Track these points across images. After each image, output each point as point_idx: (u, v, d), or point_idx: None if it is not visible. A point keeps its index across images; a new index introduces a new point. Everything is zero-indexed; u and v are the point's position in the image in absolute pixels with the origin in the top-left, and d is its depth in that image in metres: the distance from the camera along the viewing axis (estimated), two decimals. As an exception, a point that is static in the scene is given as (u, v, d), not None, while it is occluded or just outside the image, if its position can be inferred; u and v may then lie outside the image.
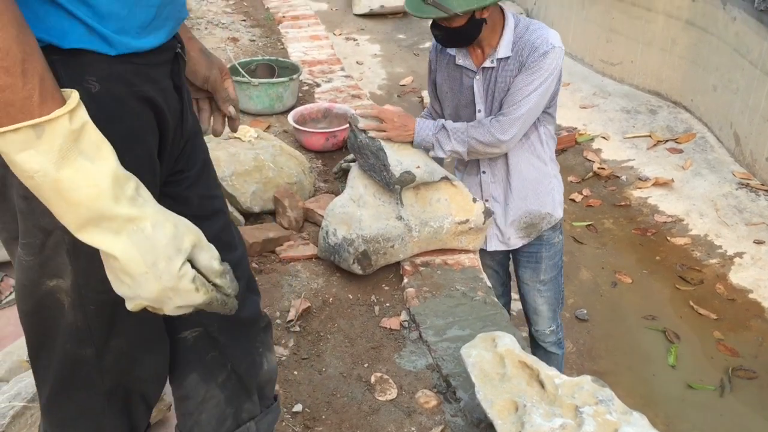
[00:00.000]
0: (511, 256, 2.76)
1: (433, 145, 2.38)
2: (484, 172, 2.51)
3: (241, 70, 3.58)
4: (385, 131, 2.41)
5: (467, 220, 2.45)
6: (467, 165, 2.55)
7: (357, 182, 2.54)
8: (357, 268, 2.43)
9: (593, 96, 5.77)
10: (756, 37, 4.31)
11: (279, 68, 3.79)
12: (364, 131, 2.47)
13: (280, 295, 2.42)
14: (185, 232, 0.96)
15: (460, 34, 2.23)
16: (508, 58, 2.28)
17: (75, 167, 0.85)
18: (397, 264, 2.52)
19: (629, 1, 5.56)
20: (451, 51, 2.39)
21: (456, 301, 2.32)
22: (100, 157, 0.88)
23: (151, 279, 0.92)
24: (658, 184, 4.63)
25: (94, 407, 1.20)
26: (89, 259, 1.03)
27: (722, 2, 4.70)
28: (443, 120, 2.40)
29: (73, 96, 0.86)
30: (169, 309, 0.97)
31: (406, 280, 2.45)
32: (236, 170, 2.78)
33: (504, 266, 2.81)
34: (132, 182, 0.91)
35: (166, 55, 1.12)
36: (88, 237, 0.89)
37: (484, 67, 2.32)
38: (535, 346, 2.85)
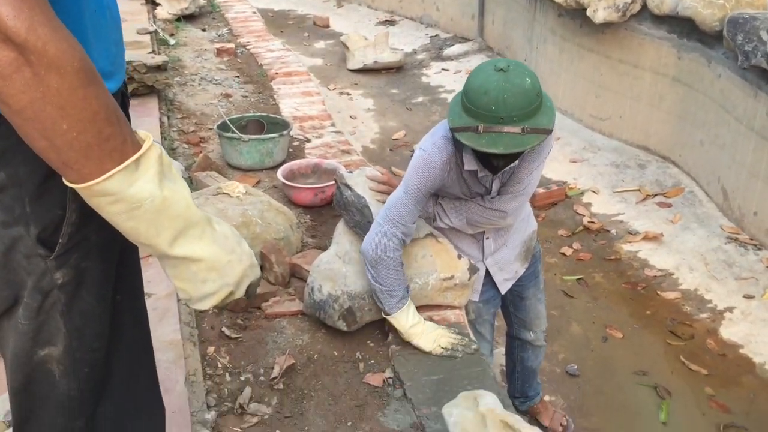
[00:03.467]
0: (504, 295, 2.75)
1: (434, 217, 2.40)
2: (487, 238, 2.51)
3: (231, 126, 3.63)
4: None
5: (452, 276, 2.45)
6: None
7: (343, 238, 2.55)
8: (342, 325, 2.42)
9: (583, 150, 5.83)
10: (740, 94, 4.39)
11: (269, 124, 3.84)
12: (350, 188, 2.50)
13: (264, 351, 2.41)
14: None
15: (517, 156, 2.11)
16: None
17: (168, 187, 0.97)
18: (383, 320, 2.51)
19: (617, 58, 5.67)
20: (474, 166, 2.19)
21: (441, 358, 2.31)
22: (175, 177, 1.01)
23: (235, 264, 1.08)
24: (647, 238, 4.65)
25: None
26: (84, 317, 1.07)
27: (707, 60, 4.79)
28: (439, 198, 2.39)
29: (145, 132, 1.00)
30: (242, 290, 1.11)
31: (391, 336, 2.44)
32: (224, 226, 2.79)
33: (496, 313, 2.82)
34: None
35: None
36: (180, 249, 1.01)
37: (504, 170, 2.22)
38: (524, 349, 2.90)
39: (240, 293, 1.11)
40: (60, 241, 1.01)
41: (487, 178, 2.25)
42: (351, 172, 2.65)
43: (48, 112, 0.85)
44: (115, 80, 1.11)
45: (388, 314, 2.29)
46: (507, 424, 1.70)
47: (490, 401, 1.77)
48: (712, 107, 4.74)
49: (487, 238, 2.49)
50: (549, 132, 1.99)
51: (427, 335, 2.32)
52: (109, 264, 1.10)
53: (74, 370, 1.09)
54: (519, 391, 3.03)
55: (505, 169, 2.19)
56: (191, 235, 1.02)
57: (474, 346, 2.35)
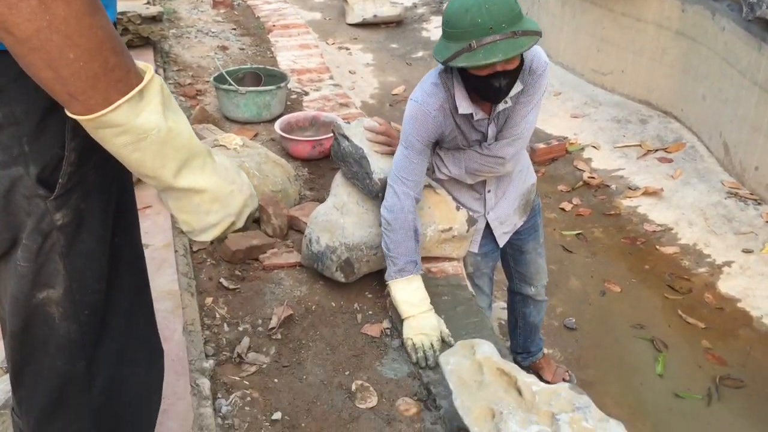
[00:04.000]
0: (504, 244, 2.74)
1: (433, 168, 2.36)
2: (488, 191, 2.49)
3: (228, 78, 3.58)
4: (390, 146, 2.42)
5: (451, 228, 2.44)
6: None
7: (340, 190, 2.54)
8: (340, 276, 2.42)
9: (584, 105, 5.78)
10: (744, 47, 4.33)
11: (266, 77, 3.79)
12: (348, 138, 2.47)
13: (262, 302, 2.41)
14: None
15: (515, 74, 2.04)
16: (520, 91, 2.16)
17: (171, 118, 0.97)
18: (381, 272, 2.51)
19: (620, 11, 5.58)
20: (469, 110, 2.15)
21: (439, 309, 2.31)
22: (176, 108, 1.00)
23: (236, 193, 1.09)
24: (647, 193, 4.63)
25: (81, 428, 1.18)
26: (83, 258, 1.06)
27: (711, 12, 4.71)
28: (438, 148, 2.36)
29: (146, 63, 0.98)
30: (243, 219, 1.13)
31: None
32: (221, 178, 2.77)
33: (495, 266, 2.80)
34: None
35: None
36: (184, 180, 1.01)
37: (499, 112, 2.20)
38: (526, 304, 2.90)
39: (241, 223, 1.12)
40: (60, 181, 1.00)
41: (482, 122, 2.22)
42: (349, 123, 2.62)
43: (54, 41, 0.83)
44: (109, 13, 1.08)
45: (386, 280, 2.23)
46: (503, 371, 1.70)
47: (486, 350, 1.77)
48: (716, 61, 4.67)
49: (489, 191, 2.47)
50: (539, 34, 1.94)
51: (417, 326, 2.15)
52: (107, 205, 1.09)
53: (74, 313, 1.08)
54: (521, 347, 3.04)
55: (507, 99, 2.13)
56: (194, 166, 1.02)
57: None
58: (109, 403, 1.18)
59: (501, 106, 2.18)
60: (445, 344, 2.13)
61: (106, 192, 1.08)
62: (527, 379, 1.67)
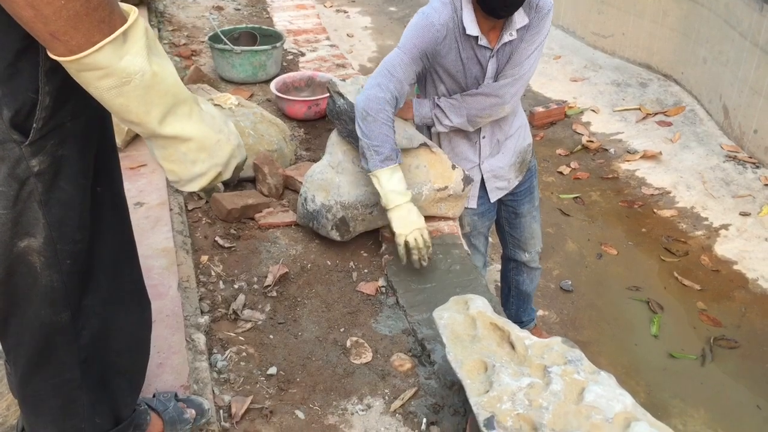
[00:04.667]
0: (500, 206, 2.75)
1: (433, 121, 2.37)
2: (483, 137, 2.49)
3: (223, 37, 3.54)
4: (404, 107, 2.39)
5: (446, 187, 2.43)
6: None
7: (336, 148, 2.52)
8: (335, 235, 2.41)
9: (584, 69, 5.73)
10: (746, 9, 4.28)
11: (262, 36, 3.75)
12: (343, 96, 2.45)
13: (258, 261, 2.41)
14: None
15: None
16: (526, 25, 2.19)
17: (156, 62, 0.95)
18: (376, 231, 2.51)
19: (621, -27, 5.51)
20: (475, 32, 2.15)
21: (434, 267, 2.31)
22: (161, 52, 0.98)
23: (223, 142, 1.08)
24: (646, 156, 4.62)
25: (69, 378, 1.18)
26: (63, 207, 1.05)
27: (713, -27, 4.65)
28: (436, 98, 2.36)
29: (131, 6, 0.97)
30: (230, 170, 1.11)
31: (384, 246, 2.44)
32: (216, 137, 2.76)
33: (490, 226, 2.80)
34: None
35: None
36: (170, 128, 1.00)
37: (504, 43, 2.20)
38: (519, 272, 2.93)
39: (228, 174, 1.11)
40: (34, 125, 0.98)
41: (485, 53, 2.21)
42: (344, 81, 2.59)
43: None
44: None
45: (369, 171, 2.17)
46: (497, 326, 1.71)
47: (480, 304, 1.77)
48: (717, 23, 4.62)
49: (483, 137, 2.46)
50: None
51: (406, 217, 2.16)
52: (86, 153, 1.07)
53: (56, 262, 1.07)
54: (513, 317, 3.04)
55: (513, 31, 2.16)
56: (180, 114, 1.00)
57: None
58: (96, 353, 1.18)
59: (506, 38, 2.18)
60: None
61: (84, 140, 1.06)
62: (520, 334, 1.67)
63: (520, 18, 2.16)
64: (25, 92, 0.96)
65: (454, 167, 2.44)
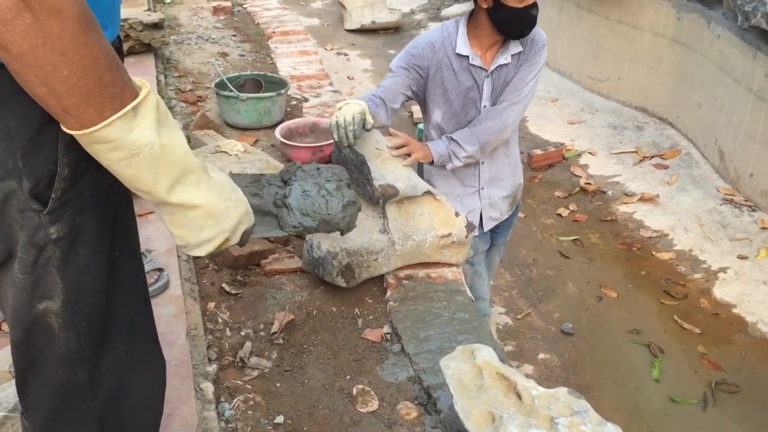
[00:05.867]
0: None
1: (449, 157, 2.49)
2: (482, 162, 2.62)
3: (229, 84, 3.61)
4: (411, 153, 2.52)
5: (450, 234, 2.48)
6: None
7: (341, 196, 2.56)
8: (341, 281, 2.44)
9: (581, 112, 5.83)
10: (739, 55, 4.38)
11: (267, 83, 3.82)
12: (348, 146, 2.50)
13: (264, 307, 2.44)
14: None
15: (537, 13, 2.33)
16: (519, 53, 2.43)
17: (165, 134, 0.98)
18: (381, 277, 2.54)
19: (616, 19, 5.63)
20: (465, 51, 2.41)
21: (438, 314, 2.34)
22: (172, 124, 1.01)
23: (231, 210, 1.10)
24: (643, 199, 4.67)
25: None
26: (80, 272, 1.07)
27: (707, 21, 4.76)
28: (445, 134, 2.53)
29: (141, 79, 0.99)
30: (237, 236, 1.14)
31: (389, 293, 2.47)
32: (222, 184, 2.80)
33: (485, 253, 2.93)
34: None
35: None
36: (178, 196, 1.02)
37: (500, 65, 2.43)
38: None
39: (235, 240, 1.13)
40: (53, 195, 1.00)
41: (479, 72, 2.43)
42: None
43: (49, 58, 0.85)
44: (108, 33, 1.10)
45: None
46: (503, 375, 1.73)
47: (486, 354, 1.80)
48: (711, 68, 4.72)
49: (482, 163, 2.61)
50: None
51: (343, 107, 2.27)
52: (104, 220, 1.10)
53: (73, 324, 1.10)
54: None
55: (508, 56, 2.41)
56: (188, 182, 1.02)
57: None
58: (112, 411, 1.20)
59: (501, 60, 2.42)
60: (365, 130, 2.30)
61: (102, 208, 1.09)
62: (527, 384, 1.70)
63: (514, 45, 2.43)
64: (45, 164, 0.99)
65: (457, 214, 2.49)
